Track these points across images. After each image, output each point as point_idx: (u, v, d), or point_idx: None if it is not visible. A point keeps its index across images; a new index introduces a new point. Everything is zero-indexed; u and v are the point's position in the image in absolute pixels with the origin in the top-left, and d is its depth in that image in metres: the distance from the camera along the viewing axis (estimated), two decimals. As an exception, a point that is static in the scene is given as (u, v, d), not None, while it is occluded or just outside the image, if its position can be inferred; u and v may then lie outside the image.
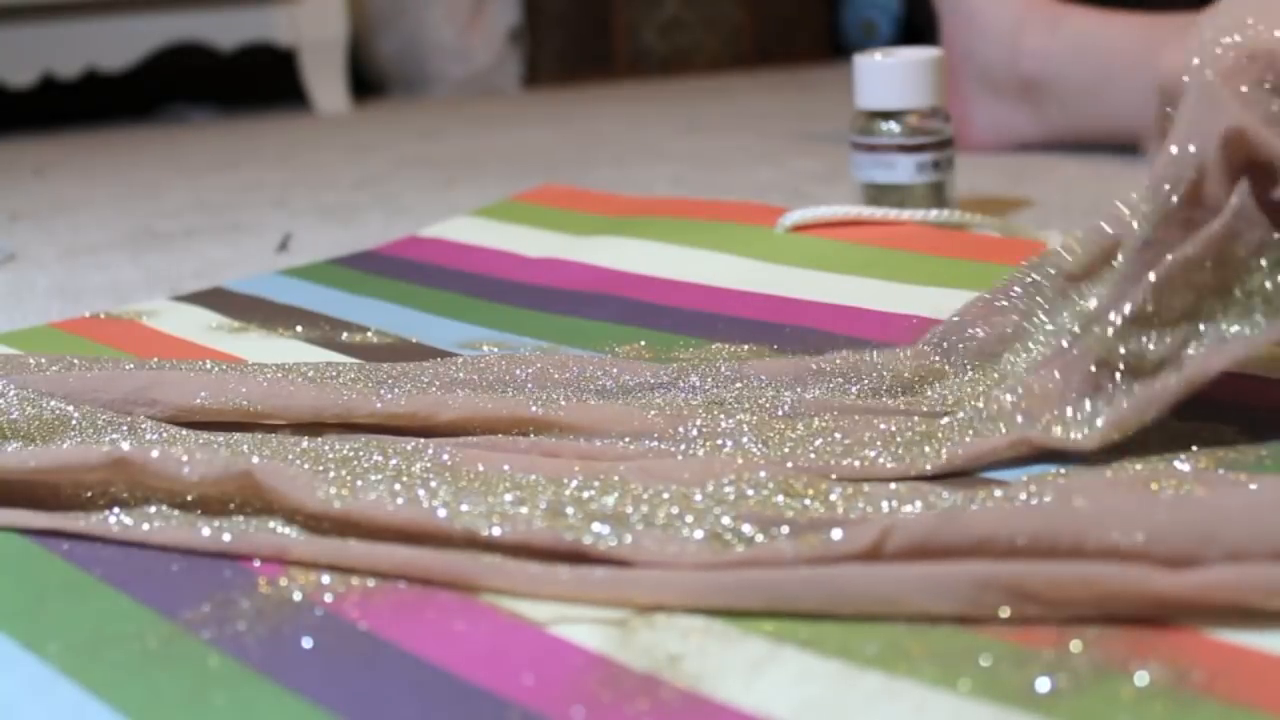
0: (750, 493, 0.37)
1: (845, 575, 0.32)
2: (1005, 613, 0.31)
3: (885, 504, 0.36)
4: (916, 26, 1.94)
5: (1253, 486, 0.33)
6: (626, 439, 0.43)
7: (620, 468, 0.39)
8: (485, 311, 0.63)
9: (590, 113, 1.62)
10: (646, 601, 0.33)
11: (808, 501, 0.36)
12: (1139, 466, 0.39)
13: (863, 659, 0.30)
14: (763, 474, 0.38)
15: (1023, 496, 0.35)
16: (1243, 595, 0.30)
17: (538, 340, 0.58)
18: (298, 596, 0.35)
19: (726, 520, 0.35)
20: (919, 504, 0.35)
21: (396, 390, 0.47)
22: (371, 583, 0.35)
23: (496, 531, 0.35)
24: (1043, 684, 0.29)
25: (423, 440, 0.43)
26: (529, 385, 0.49)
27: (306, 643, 0.32)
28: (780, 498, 0.36)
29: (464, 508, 0.36)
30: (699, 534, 0.35)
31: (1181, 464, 0.39)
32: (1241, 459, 0.39)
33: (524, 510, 0.36)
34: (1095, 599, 0.31)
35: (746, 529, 0.34)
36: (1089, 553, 0.31)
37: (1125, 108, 0.99)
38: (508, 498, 0.37)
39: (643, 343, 0.56)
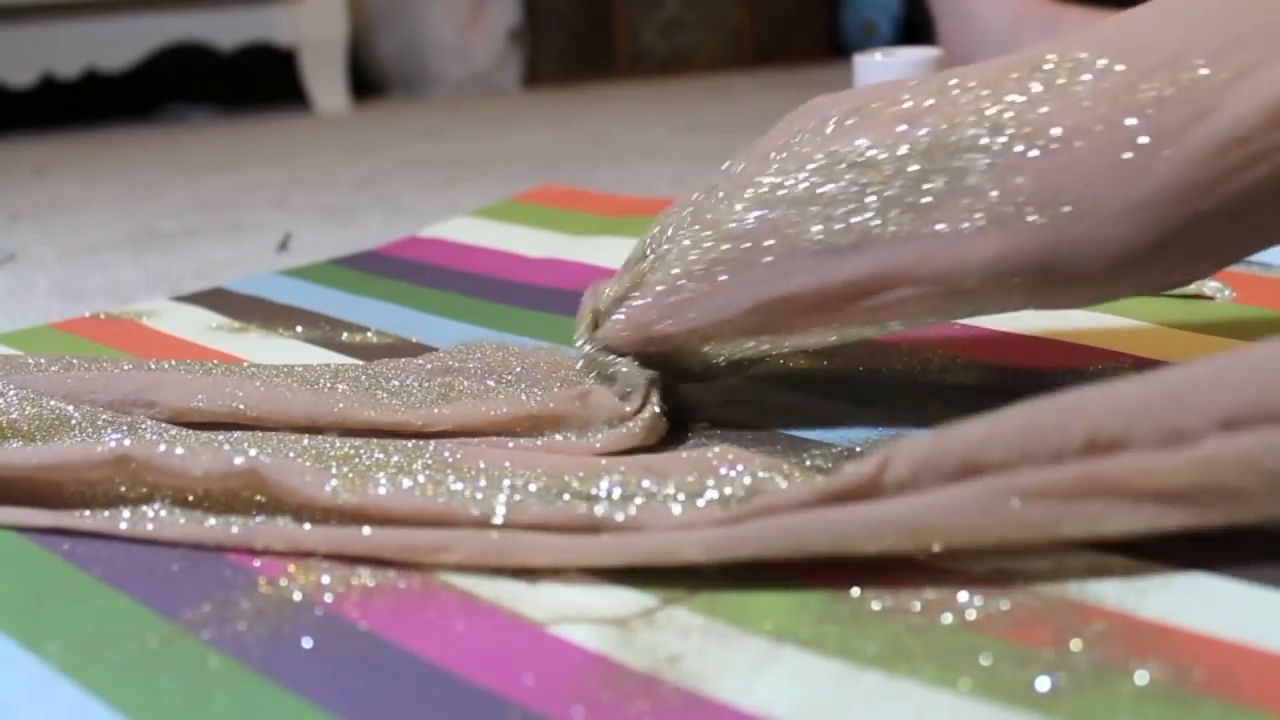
0: (748, 479, 0.37)
1: (859, 511, 0.33)
2: (1016, 504, 0.31)
3: None
4: (916, 26, 1.94)
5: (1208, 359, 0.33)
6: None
7: (620, 466, 0.39)
8: (485, 311, 0.63)
9: (590, 113, 1.62)
10: (669, 561, 0.34)
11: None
12: None
13: (863, 659, 0.30)
14: (758, 462, 0.38)
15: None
16: (1246, 467, 0.30)
17: (538, 341, 0.58)
18: (298, 596, 0.35)
19: (733, 504, 0.35)
20: None
21: (392, 394, 0.47)
22: (371, 583, 0.35)
23: (511, 515, 0.35)
24: (1043, 683, 0.29)
25: (422, 439, 0.43)
26: (523, 380, 0.49)
27: (306, 643, 0.32)
28: (779, 482, 0.37)
29: (472, 499, 0.36)
30: (705, 506, 0.35)
31: None
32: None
33: (531, 497, 0.36)
34: (1102, 492, 0.31)
35: (753, 499, 0.35)
36: (1076, 440, 0.31)
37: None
38: (514, 482, 0.37)
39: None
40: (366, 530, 0.36)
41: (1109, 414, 0.31)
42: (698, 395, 0.49)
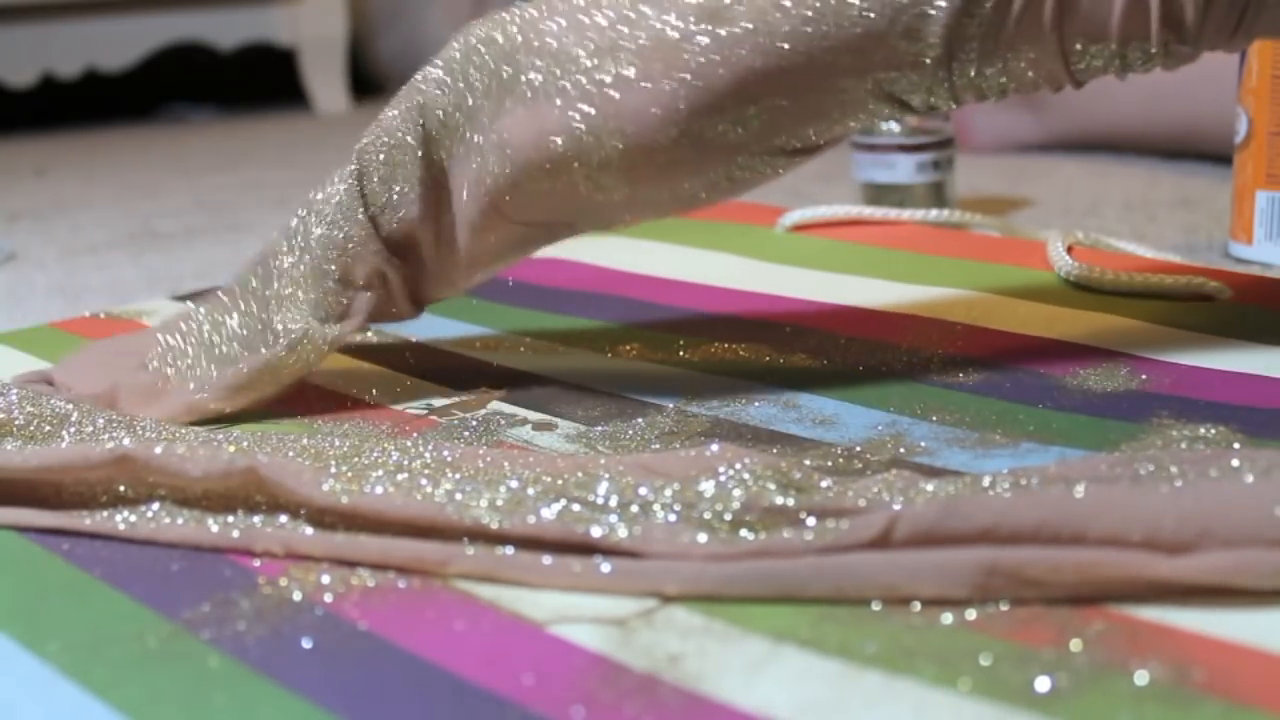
0: (748, 478, 0.37)
1: (853, 563, 0.33)
2: (1006, 605, 0.32)
3: (878, 492, 0.36)
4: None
5: (1249, 479, 0.34)
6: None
7: (619, 466, 0.39)
8: (485, 311, 0.63)
9: (590, 113, 1.62)
10: (656, 591, 0.33)
11: (799, 493, 0.36)
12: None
13: (863, 659, 0.30)
14: (756, 464, 0.38)
15: (1023, 484, 0.35)
16: (1232, 579, 0.31)
17: (537, 339, 0.58)
18: (298, 596, 0.35)
19: (728, 515, 0.35)
20: (911, 492, 0.35)
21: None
22: (371, 582, 0.35)
23: (506, 524, 0.35)
24: (1043, 684, 0.29)
25: (421, 438, 0.43)
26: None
27: (306, 643, 0.32)
28: (772, 485, 0.36)
29: (470, 501, 0.36)
30: (703, 533, 0.35)
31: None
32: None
33: (529, 500, 0.36)
34: (1095, 583, 0.32)
35: (751, 518, 0.35)
36: (1090, 543, 0.32)
37: (1126, 110, 0.99)
38: (513, 484, 0.37)
39: (640, 344, 0.56)
40: (365, 538, 0.36)
41: (1128, 524, 0.32)
42: (695, 393, 0.49)
